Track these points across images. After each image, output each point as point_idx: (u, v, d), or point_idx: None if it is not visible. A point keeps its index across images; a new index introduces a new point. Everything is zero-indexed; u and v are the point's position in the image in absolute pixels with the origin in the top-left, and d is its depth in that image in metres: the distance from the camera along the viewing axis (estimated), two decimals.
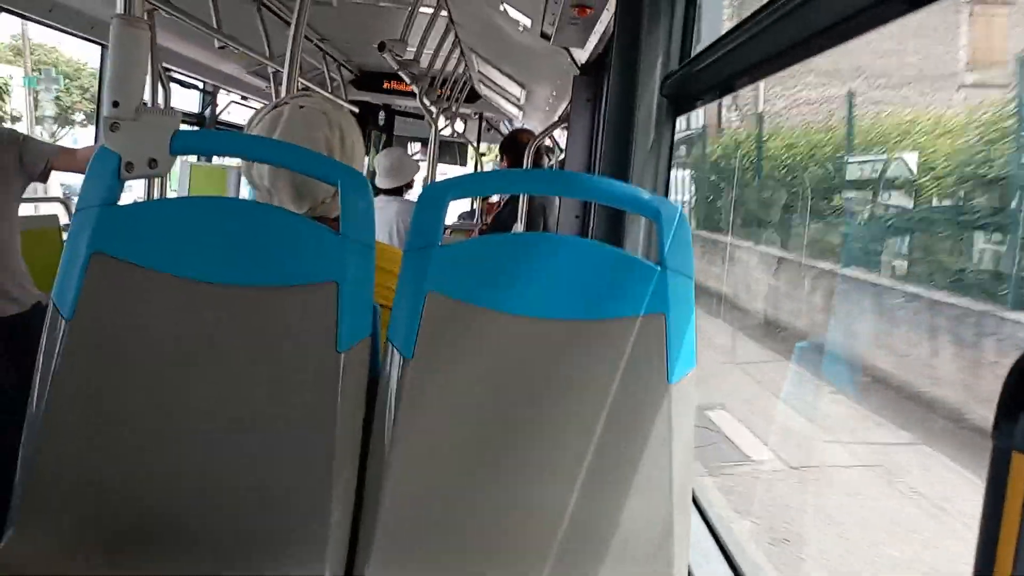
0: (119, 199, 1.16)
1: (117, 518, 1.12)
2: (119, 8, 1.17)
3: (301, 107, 1.45)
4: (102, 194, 1.13)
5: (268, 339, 1.16)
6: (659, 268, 1.18)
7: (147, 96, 3.32)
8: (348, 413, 1.15)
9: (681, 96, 1.92)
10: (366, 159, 5.98)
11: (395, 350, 1.15)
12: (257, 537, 1.14)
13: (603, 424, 1.16)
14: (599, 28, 2.64)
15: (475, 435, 1.17)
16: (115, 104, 1.15)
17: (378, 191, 4.44)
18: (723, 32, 1.55)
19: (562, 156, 3.84)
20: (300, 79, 4.67)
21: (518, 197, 3.57)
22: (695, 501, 1.38)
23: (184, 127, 1.20)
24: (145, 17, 3.05)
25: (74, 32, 3.46)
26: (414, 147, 7.76)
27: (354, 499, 1.17)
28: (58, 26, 3.38)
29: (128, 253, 1.12)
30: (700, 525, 1.38)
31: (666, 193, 1.99)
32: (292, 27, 2.09)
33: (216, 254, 1.14)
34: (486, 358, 1.17)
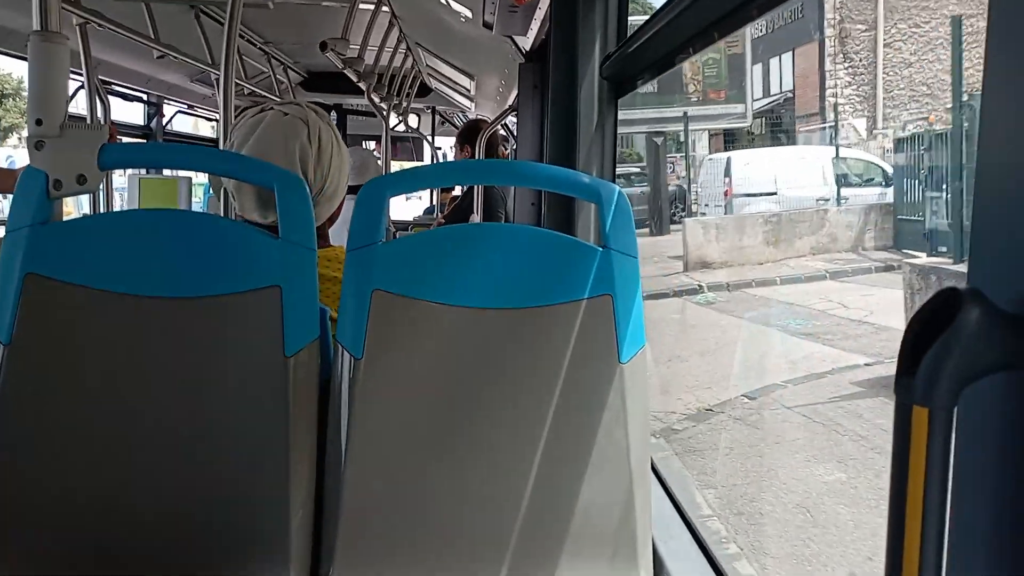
0: (51, 218, 1.13)
1: (72, 537, 1.11)
2: (35, 24, 1.15)
3: (284, 114, 1.44)
4: (31, 214, 1.11)
5: (215, 349, 1.15)
6: (602, 250, 1.19)
7: (85, 111, 3.27)
8: (301, 416, 1.15)
9: (621, 77, 1.93)
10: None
11: (344, 351, 1.15)
12: (219, 547, 1.14)
13: (558, 408, 1.17)
14: (539, 15, 2.64)
15: (431, 429, 1.17)
16: (38, 122, 1.13)
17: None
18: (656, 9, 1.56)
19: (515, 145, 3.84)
20: (246, 84, 4.61)
21: (473, 188, 3.56)
22: (656, 473, 1.40)
23: (130, 140, 1.18)
24: (77, 31, 2.98)
25: (10, 52, 3.38)
26: (369, 145, 7.70)
27: (314, 502, 1.17)
28: None
29: (63, 272, 1.10)
30: (661, 496, 1.40)
31: (613, 176, 2.00)
32: (226, 30, 2.06)
33: (154, 267, 1.13)
34: (436, 352, 1.17)
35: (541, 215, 2.79)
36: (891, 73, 14.88)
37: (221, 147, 1.92)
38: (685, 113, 14.03)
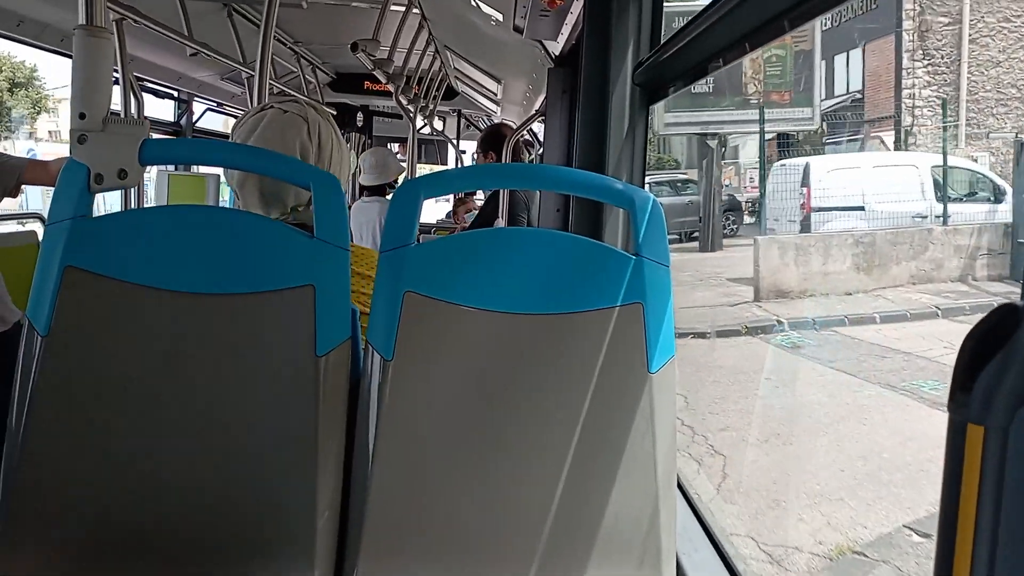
0: (91, 212, 1.15)
1: (103, 530, 1.12)
2: (81, 18, 1.16)
3: (284, 111, 1.48)
4: (72, 207, 1.12)
5: (247, 346, 1.16)
6: (634, 258, 1.18)
7: (119, 107, 3.31)
8: (330, 416, 1.15)
9: (653, 84, 1.92)
10: (352, 162, 5.96)
11: (375, 352, 1.15)
12: (245, 544, 1.14)
13: (585, 416, 1.17)
14: (570, 19, 2.64)
15: (458, 433, 1.17)
16: (81, 116, 1.14)
17: (362, 191, 4.48)
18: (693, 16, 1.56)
19: (541, 150, 3.84)
20: (275, 83, 4.65)
21: (499, 193, 3.56)
22: (680, 487, 1.39)
23: (159, 136, 1.19)
24: (113, 27, 3.03)
25: (45, 46, 3.43)
26: (394, 148, 7.73)
27: (340, 502, 1.17)
28: (29, 40, 3.34)
29: (101, 266, 1.12)
30: (685, 510, 1.39)
31: (642, 182, 2.00)
32: (261, 29, 2.08)
33: (190, 263, 1.14)
34: (466, 356, 1.17)
35: (567, 222, 2.79)
36: (976, 73, 13.47)
37: None
38: (760, 112, 12.32)
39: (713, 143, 12.54)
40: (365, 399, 1.16)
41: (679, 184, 15.06)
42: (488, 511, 1.16)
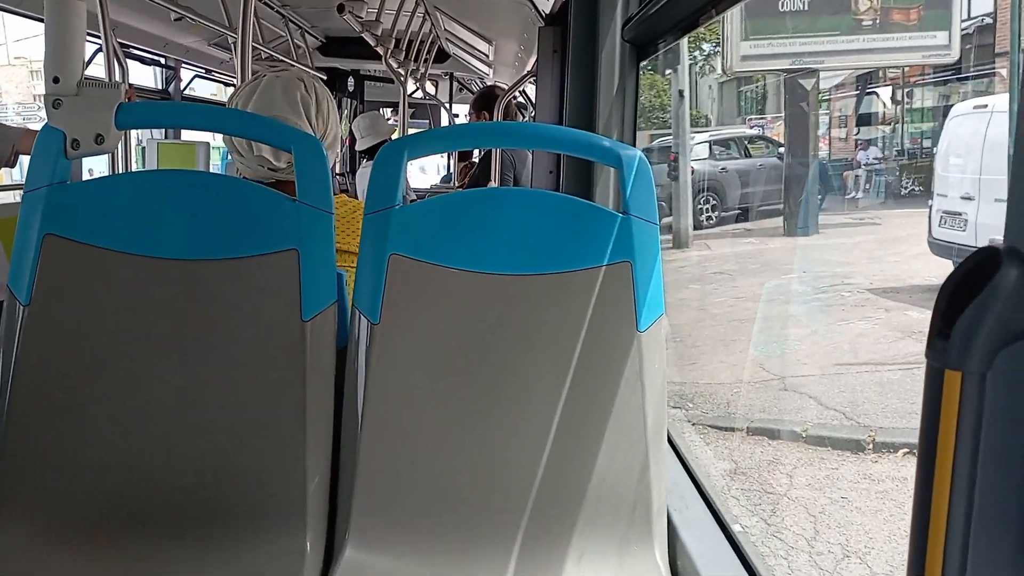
0: (69, 178, 1.13)
1: (90, 501, 1.12)
2: None
3: (277, 76, 1.55)
4: (49, 174, 1.10)
5: (231, 312, 1.15)
6: (621, 215, 1.17)
7: (103, 73, 3.25)
8: (318, 381, 1.15)
9: (643, 40, 1.89)
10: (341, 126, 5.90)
11: (362, 316, 1.15)
12: (235, 512, 1.14)
13: (575, 375, 1.16)
14: None
15: (447, 395, 1.17)
16: (55, 80, 1.12)
17: (361, 157, 4.48)
18: None
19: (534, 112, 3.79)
20: (263, 48, 4.58)
21: (490, 154, 3.53)
22: (671, 443, 1.39)
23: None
24: None
25: (17, 10, 3.36)
26: (386, 112, 7.66)
27: (331, 466, 1.17)
28: (9, 8, 3.28)
29: (81, 233, 1.10)
30: (677, 467, 1.39)
31: (633, 140, 1.97)
32: None
33: (171, 229, 1.13)
34: (453, 317, 1.17)
35: (559, 182, 2.77)
36: None
37: None
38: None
39: (808, 84, 9.14)
40: (353, 363, 1.15)
41: (746, 142, 11.44)
42: (478, 471, 1.17)
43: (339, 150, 1.67)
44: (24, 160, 2.64)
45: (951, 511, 0.43)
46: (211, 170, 4.36)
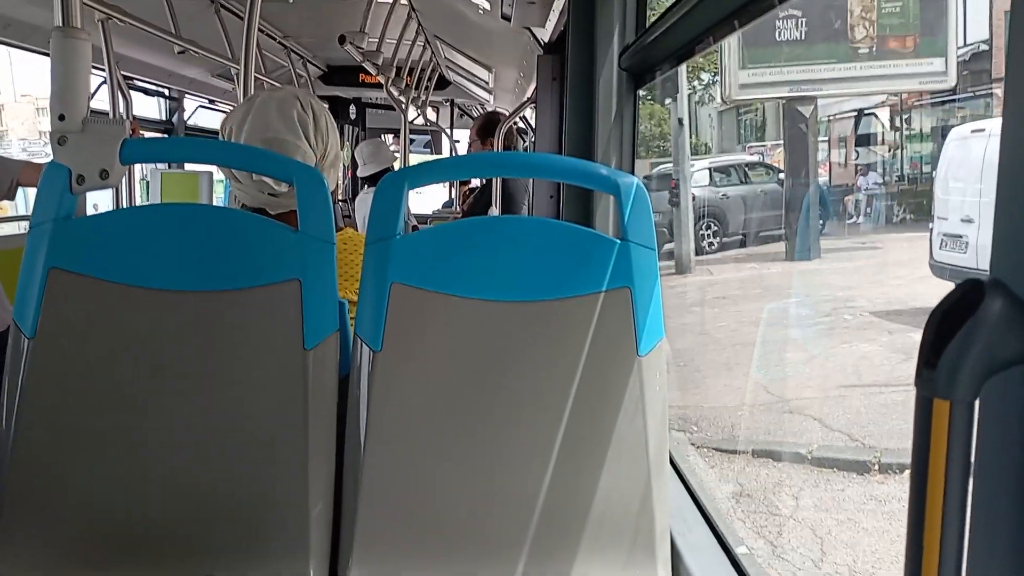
0: (74, 213, 1.15)
1: (95, 529, 1.13)
2: (57, 20, 1.16)
3: (272, 95, 1.48)
4: (55, 209, 1.12)
5: (235, 342, 1.16)
6: (620, 242, 1.18)
7: (107, 107, 3.30)
8: (320, 409, 1.16)
9: (640, 68, 1.91)
10: (343, 153, 5.95)
11: (363, 344, 1.16)
12: (239, 540, 1.15)
13: (576, 401, 1.17)
14: (557, 5, 2.62)
15: (449, 422, 1.17)
16: (61, 118, 1.15)
17: (362, 184, 4.51)
18: None
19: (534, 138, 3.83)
20: (265, 79, 4.64)
21: (491, 181, 3.56)
22: (674, 466, 1.39)
23: (153, 135, 1.20)
24: (98, 27, 3.01)
25: (34, 48, 3.41)
26: (388, 139, 7.72)
27: (333, 494, 1.18)
28: (16, 43, 3.33)
29: (85, 267, 1.12)
30: (680, 491, 1.39)
31: (632, 168, 1.99)
32: (245, 23, 2.08)
33: (175, 261, 1.14)
34: (455, 345, 1.18)
35: (559, 209, 2.79)
36: None
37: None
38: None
39: (807, 110, 9.13)
40: (355, 391, 1.16)
41: (746, 169, 11.55)
42: (481, 498, 1.17)
43: (341, 171, 1.60)
44: (25, 191, 2.67)
45: (944, 535, 0.44)
46: (215, 198, 4.40)
